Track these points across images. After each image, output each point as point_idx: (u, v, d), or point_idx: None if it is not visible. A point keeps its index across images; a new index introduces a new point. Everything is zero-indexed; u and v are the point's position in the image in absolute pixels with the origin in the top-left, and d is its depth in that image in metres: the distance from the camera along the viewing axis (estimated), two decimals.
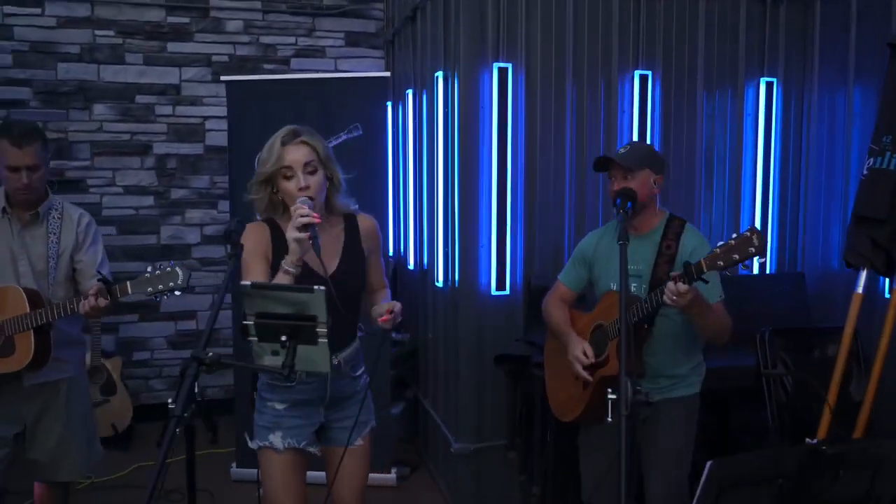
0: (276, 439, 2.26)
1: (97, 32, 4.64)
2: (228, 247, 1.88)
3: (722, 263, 2.07)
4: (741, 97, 3.85)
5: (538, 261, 3.60)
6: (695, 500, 1.51)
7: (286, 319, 1.62)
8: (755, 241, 2.04)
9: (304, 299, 1.63)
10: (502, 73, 3.39)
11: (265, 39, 4.92)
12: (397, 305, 2.21)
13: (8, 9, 4.49)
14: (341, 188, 2.29)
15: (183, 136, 4.81)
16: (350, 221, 2.33)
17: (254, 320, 1.63)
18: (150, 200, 4.80)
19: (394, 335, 4.55)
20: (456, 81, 3.42)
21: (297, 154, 2.16)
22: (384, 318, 2.17)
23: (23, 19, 4.53)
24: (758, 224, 3.92)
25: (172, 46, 4.77)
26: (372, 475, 3.92)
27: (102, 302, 2.39)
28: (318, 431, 2.34)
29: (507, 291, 3.52)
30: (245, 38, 4.88)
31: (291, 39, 4.95)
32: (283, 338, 1.62)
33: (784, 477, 1.57)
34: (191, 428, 1.65)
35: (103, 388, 4.43)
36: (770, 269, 4.03)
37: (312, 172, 2.17)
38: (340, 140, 3.88)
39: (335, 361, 2.20)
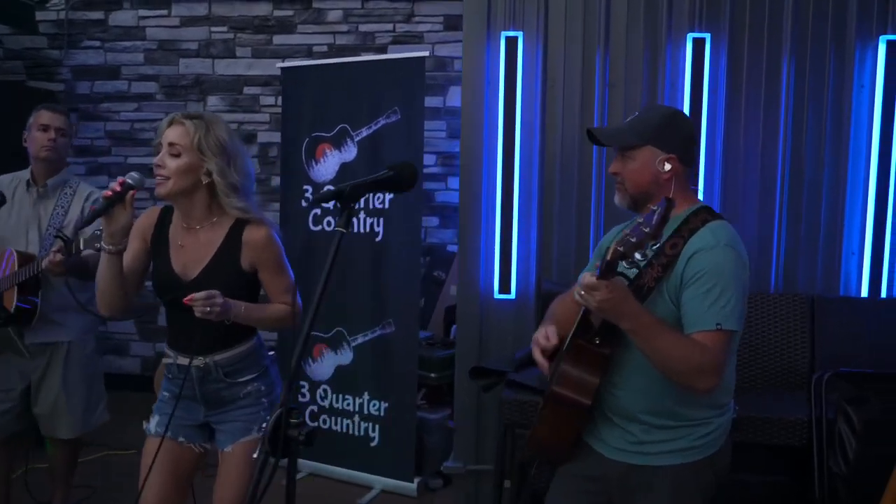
0: (151, 424, 2.28)
1: (213, 29, 4.99)
2: None
3: (621, 249, 1.55)
4: (850, 63, 2.93)
5: (557, 262, 3.08)
6: None
7: None
8: (655, 216, 1.52)
9: None
10: (510, 43, 2.95)
11: (364, 28, 4.89)
12: (210, 292, 2.01)
13: (142, 12, 5.02)
14: (227, 189, 2.11)
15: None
16: (236, 230, 2.16)
17: None
18: (252, 187, 5.02)
19: None
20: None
21: (170, 132, 2.11)
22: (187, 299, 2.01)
23: (153, 20, 5.03)
24: (870, 232, 2.97)
25: (278, 39, 4.96)
26: (392, 482, 3.76)
27: (58, 257, 2.60)
28: (209, 430, 2.31)
29: (513, 296, 3.07)
30: (344, 28, 4.90)
31: (389, 26, 4.86)
32: None
33: None
34: None
35: None
36: (893, 293, 3.02)
37: (175, 155, 2.08)
38: (379, 125, 3.70)
39: (201, 363, 2.17)
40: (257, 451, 1.32)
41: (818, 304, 3.02)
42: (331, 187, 3.86)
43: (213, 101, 5.03)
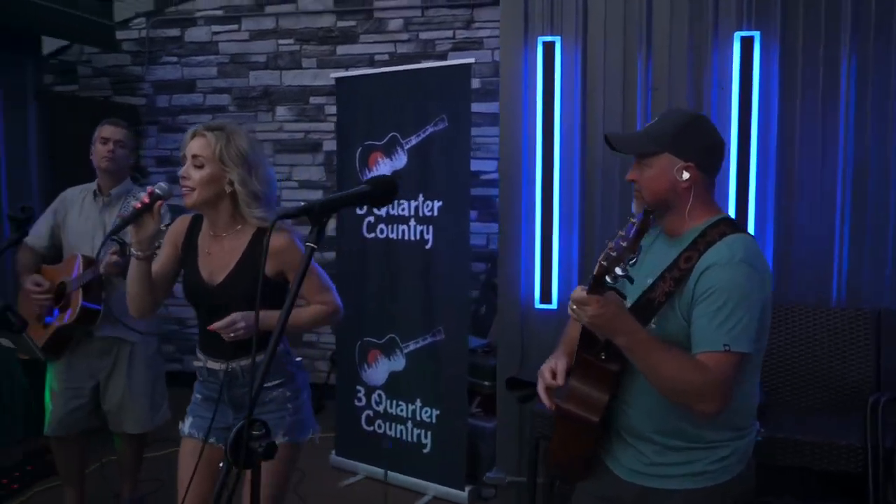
0: (185, 425, 2.37)
1: (280, 42, 5.15)
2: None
3: (605, 264, 1.55)
4: None
5: None
6: None
7: None
8: (633, 229, 1.54)
9: None
10: (548, 48, 2.89)
11: (424, 35, 4.92)
12: (231, 318, 2.09)
13: (215, 27, 5.24)
14: (249, 199, 2.19)
15: None
16: (258, 237, 2.23)
17: None
18: (318, 195, 5.16)
19: None
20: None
21: (193, 144, 2.19)
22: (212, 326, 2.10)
23: (225, 35, 5.25)
24: None
25: (341, 49, 5.06)
26: (444, 489, 3.76)
27: (114, 259, 2.79)
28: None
29: (555, 305, 3.00)
30: (405, 36, 4.95)
31: (449, 33, 4.87)
32: None
33: None
34: None
35: None
36: None
37: (199, 167, 2.16)
38: (428, 133, 3.71)
39: (228, 368, 2.23)
40: (221, 461, 1.36)
41: (885, 318, 2.80)
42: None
43: (280, 111, 5.20)
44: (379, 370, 4.01)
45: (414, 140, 3.78)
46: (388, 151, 3.88)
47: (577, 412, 1.82)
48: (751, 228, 2.82)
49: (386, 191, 1.56)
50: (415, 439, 3.88)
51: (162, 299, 2.34)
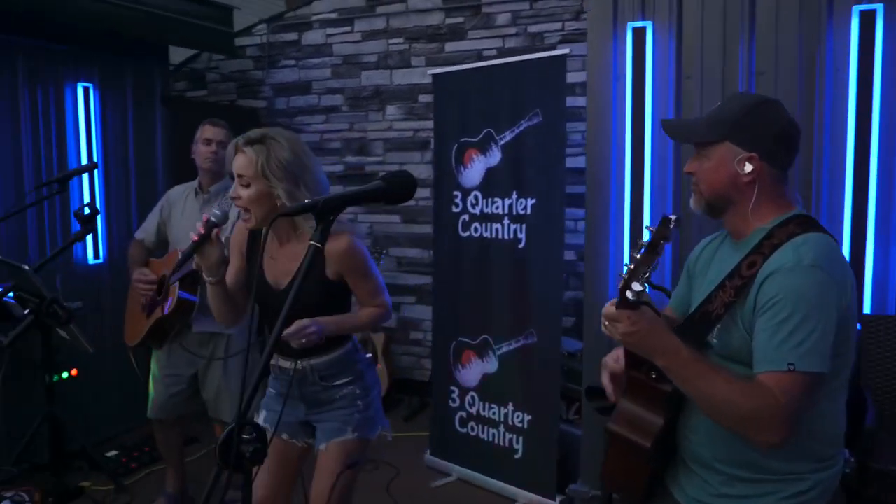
0: (259, 419, 2.43)
1: (390, 41, 5.19)
2: None
3: (625, 277, 1.43)
4: None
5: None
6: None
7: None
8: (658, 229, 1.45)
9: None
10: (638, 34, 2.69)
11: (532, 29, 4.78)
12: (299, 325, 2.11)
13: (329, 30, 5.37)
14: None
15: None
16: None
17: None
18: (426, 192, 5.14)
19: None
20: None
21: (236, 163, 2.20)
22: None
23: (339, 37, 5.36)
24: None
25: (449, 46, 5.03)
26: (534, 496, 3.62)
27: None
28: (311, 427, 2.41)
29: None
30: (513, 30, 4.83)
31: (558, 25, 4.70)
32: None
33: None
34: None
35: None
36: None
37: (245, 185, 2.18)
38: (522, 128, 3.59)
39: (298, 366, 2.28)
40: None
41: None
42: (478, 193, 3.83)
43: (390, 110, 5.25)
44: (472, 371, 3.93)
45: (508, 136, 3.66)
46: (483, 148, 3.80)
47: (626, 435, 1.67)
48: (870, 235, 2.48)
49: (403, 188, 1.47)
50: (506, 444, 3.77)
51: (245, 307, 2.38)
